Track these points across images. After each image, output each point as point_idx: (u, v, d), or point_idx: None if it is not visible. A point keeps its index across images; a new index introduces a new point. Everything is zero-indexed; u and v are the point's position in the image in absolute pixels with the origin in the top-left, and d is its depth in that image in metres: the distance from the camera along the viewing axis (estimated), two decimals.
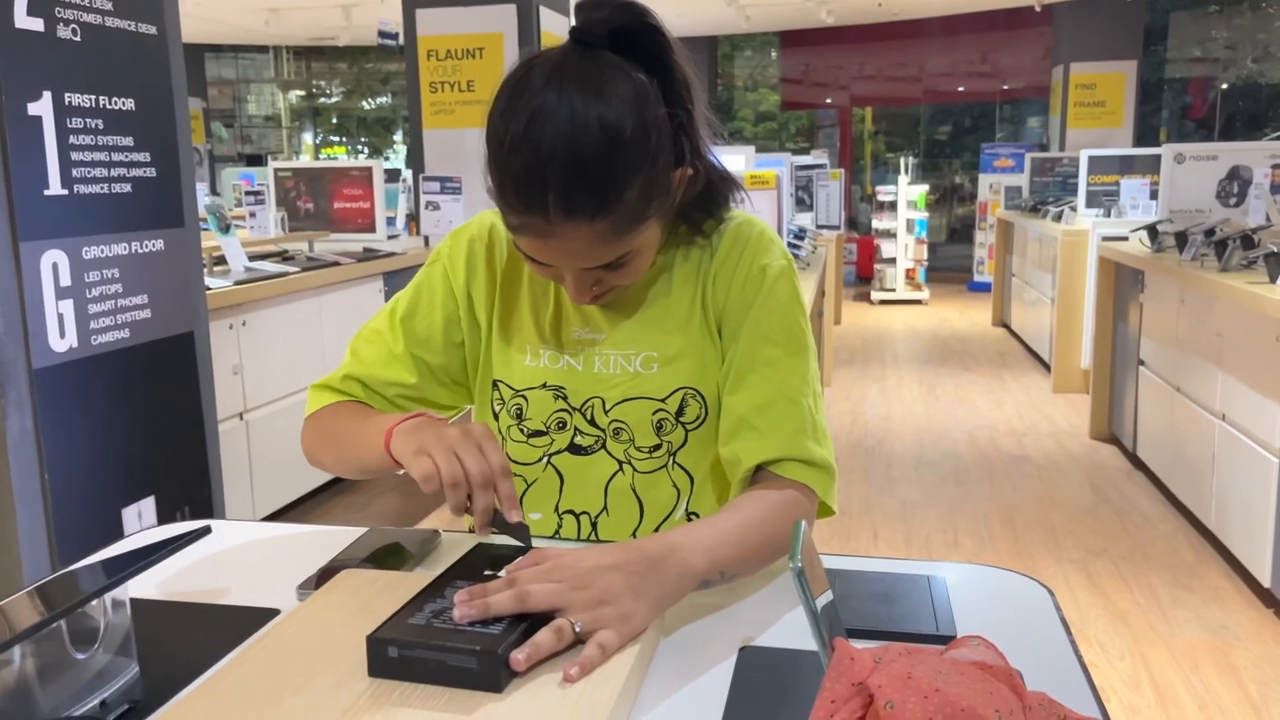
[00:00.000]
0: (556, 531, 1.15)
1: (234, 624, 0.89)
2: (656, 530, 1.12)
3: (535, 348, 1.14)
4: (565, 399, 1.12)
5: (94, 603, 0.76)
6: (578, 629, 0.79)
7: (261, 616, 0.90)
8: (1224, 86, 10.73)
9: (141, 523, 2.33)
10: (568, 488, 1.13)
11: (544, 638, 0.77)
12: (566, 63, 0.94)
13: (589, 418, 1.12)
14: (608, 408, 1.11)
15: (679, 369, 1.10)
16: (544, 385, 1.13)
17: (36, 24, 2.04)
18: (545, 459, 1.14)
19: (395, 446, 0.99)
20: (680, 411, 1.10)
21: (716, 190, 1.10)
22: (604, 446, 1.12)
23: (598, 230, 0.94)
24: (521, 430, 1.14)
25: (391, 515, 3.69)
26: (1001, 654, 0.67)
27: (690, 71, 1.02)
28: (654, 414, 1.10)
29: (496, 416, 1.16)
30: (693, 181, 1.05)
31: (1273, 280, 2.97)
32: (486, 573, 0.88)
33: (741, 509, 1.00)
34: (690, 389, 1.10)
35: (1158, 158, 4.75)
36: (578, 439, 1.12)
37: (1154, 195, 5.45)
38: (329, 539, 1.11)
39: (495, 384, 1.16)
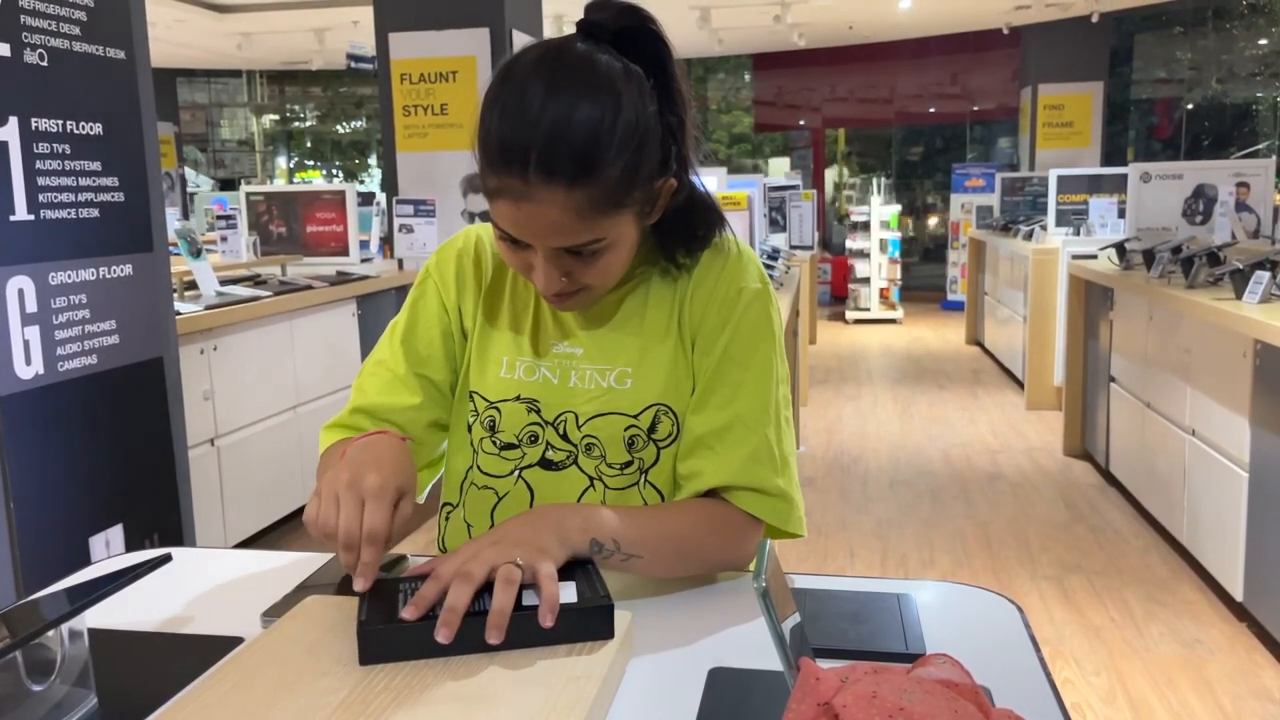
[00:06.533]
0: None
1: (196, 653, 0.87)
2: None
3: (512, 360, 1.14)
4: (538, 412, 1.12)
5: (50, 633, 0.75)
6: (519, 561, 0.85)
7: (224, 645, 0.89)
8: (1189, 106, 10.90)
9: (109, 551, 2.30)
10: (538, 503, 1.13)
11: (499, 597, 0.82)
12: (566, 46, 0.98)
13: (561, 432, 1.11)
14: (580, 423, 1.10)
15: (652, 385, 1.10)
16: (517, 398, 1.12)
17: (3, 49, 2.02)
18: (516, 472, 1.13)
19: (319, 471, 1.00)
20: (652, 428, 1.10)
21: (701, 220, 1.11)
22: (575, 462, 1.11)
23: (574, 201, 0.94)
24: (494, 443, 1.14)
25: None
26: (967, 671, 0.66)
27: (686, 88, 1.04)
28: (626, 430, 1.09)
29: (470, 428, 1.16)
30: (676, 195, 1.06)
31: (1239, 296, 3.01)
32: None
33: (662, 506, 1.08)
34: (663, 406, 1.10)
35: (1125, 177, 4.82)
36: (549, 454, 1.12)
37: (1122, 214, 5.51)
38: (295, 565, 1.10)
39: (471, 395, 1.16)
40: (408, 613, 0.82)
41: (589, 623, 0.84)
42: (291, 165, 14.47)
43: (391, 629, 0.82)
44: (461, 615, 0.81)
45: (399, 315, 1.21)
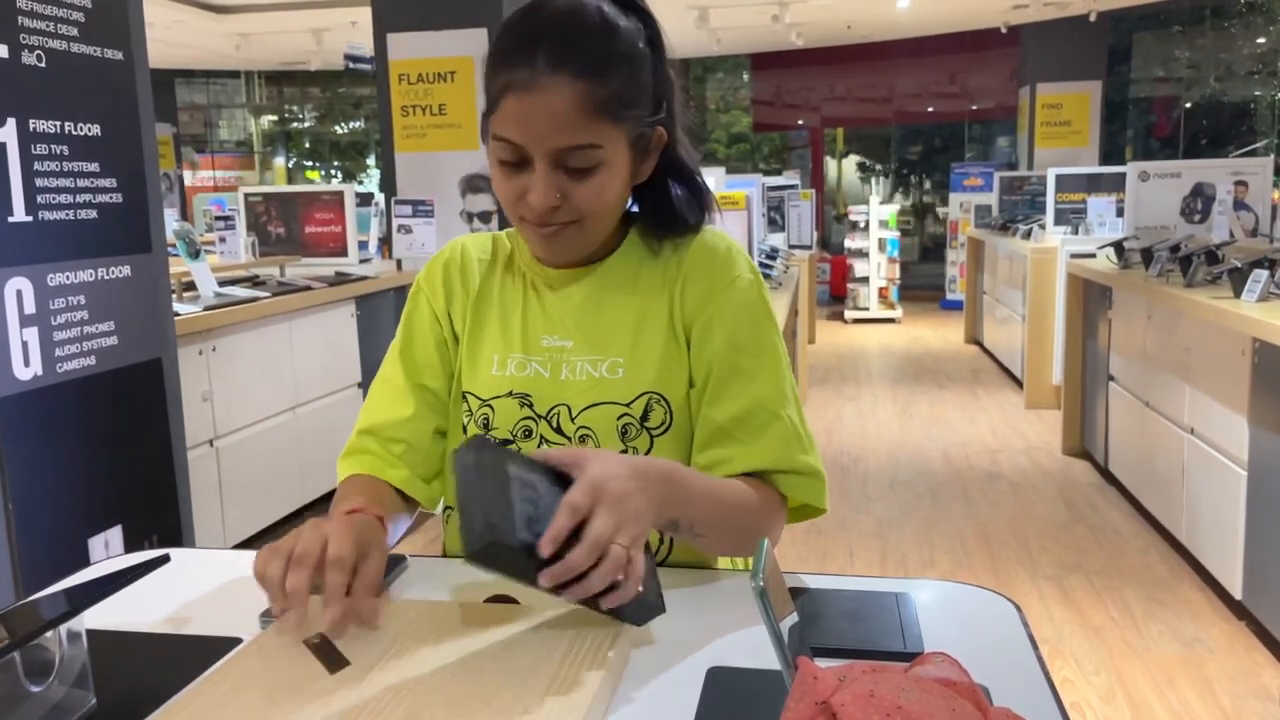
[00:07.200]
0: None
1: (194, 654, 0.87)
2: None
3: (503, 357, 1.15)
4: (531, 406, 1.12)
5: (48, 634, 0.75)
6: (625, 544, 0.84)
7: (223, 646, 0.89)
8: (1187, 105, 10.91)
9: (108, 552, 2.30)
10: None
11: (599, 579, 0.82)
12: None
13: (555, 425, 1.12)
14: (574, 415, 1.11)
15: (644, 374, 1.11)
16: (510, 394, 1.13)
17: (1, 50, 2.02)
18: None
19: None
20: (645, 417, 1.10)
21: (693, 194, 1.14)
22: None
23: (578, 93, 0.98)
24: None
25: None
26: (965, 670, 0.66)
27: (673, 70, 1.11)
28: (619, 419, 1.10)
29: (465, 429, 1.17)
30: (665, 151, 1.10)
31: (1237, 295, 3.01)
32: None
33: (728, 485, 1.06)
34: (655, 394, 1.10)
35: (1123, 176, 4.82)
36: (544, 447, 1.12)
37: (1120, 213, 5.52)
38: None
39: (464, 395, 1.17)
40: (545, 548, 0.80)
41: (637, 615, 0.87)
42: (290, 166, 14.47)
43: (516, 550, 0.80)
44: (574, 575, 0.81)
45: (397, 334, 1.22)
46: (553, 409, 1.12)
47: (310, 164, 14.60)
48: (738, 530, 1.05)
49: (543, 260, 1.14)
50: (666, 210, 1.14)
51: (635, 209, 1.16)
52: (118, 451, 2.34)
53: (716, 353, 1.10)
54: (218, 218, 4.96)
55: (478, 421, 1.15)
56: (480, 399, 1.15)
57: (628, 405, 1.10)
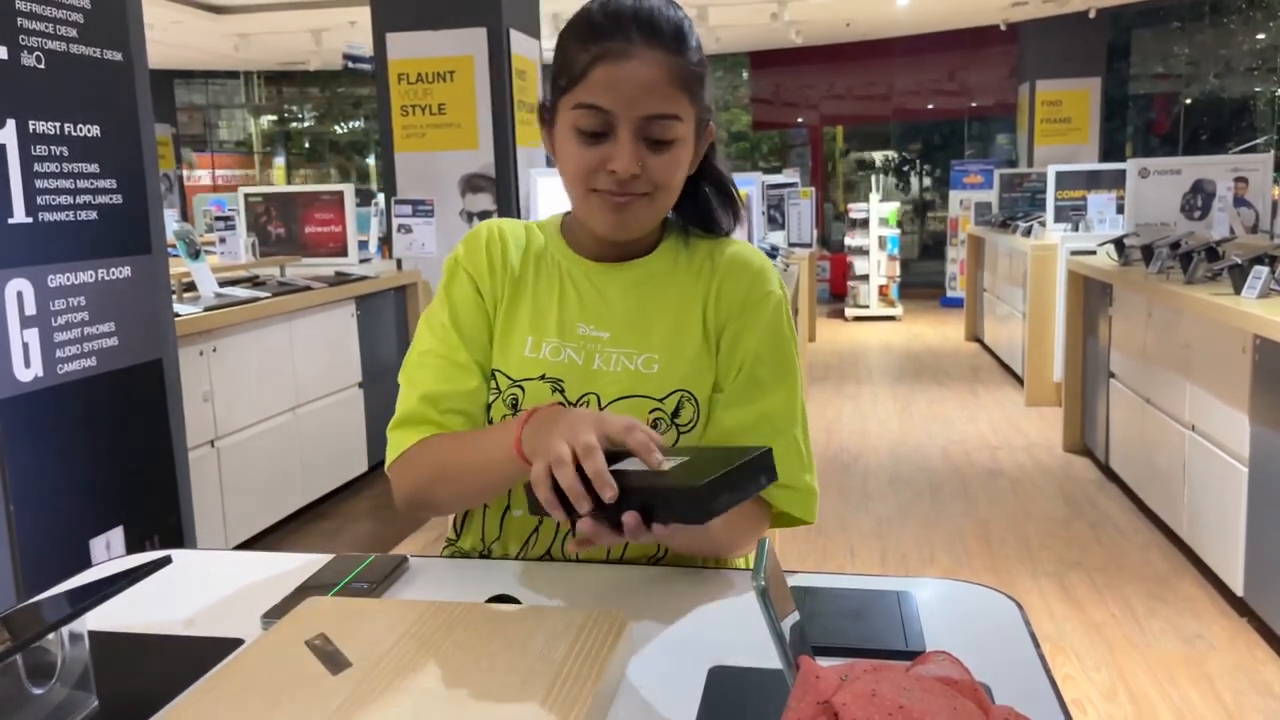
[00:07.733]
0: (537, 528, 1.15)
1: (196, 655, 0.87)
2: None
3: (537, 340, 1.16)
4: (562, 392, 1.13)
5: (50, 636, 0.75)
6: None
7: (225, 647, 0.89)
8: (1187, 102, 10.90)
9: (110, 553, 2.30)
10: None
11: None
12: None
13: None
14: (603, 404, 1.12)
15: (677, 371, 1.13)
16: (542, 377, 1.14)
17: (0, 51, 2.02)
18: None
19: (529, 451, 0.99)
20: (676, 413, 1.13)
21: (728, 197, 1.20)
22: None
23: (669, 65, 1.06)
24: None
25: (364, 542, 3.66)
26: (967, 669, 0.67)
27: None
28: (651, 413, 1.12)
29: (490, 406, 1.17)
30: (710, 153, 1.17)
31: (1237, 291, 3.01)
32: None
33: None
34: (687, 392, 1.13)
35: (1123, 173, 4.81)
36: None
37: (1121, 209, 5.51)
38: (295, 567, 1.09)
39: (494, 374, 1.17)
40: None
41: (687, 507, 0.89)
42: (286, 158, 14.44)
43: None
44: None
45: (433, 309, 1.20)
46: (583, 396, 1.13)
47: (310, 165, 14.58)
48: (699, 545, 1.11)
49: (606, 234, 1.13)
50: (706, 212, 1.19)
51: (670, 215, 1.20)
52: (119, 452, 2.34)
53: (741, 361, 1.14)
54: (218, 218, 4.96)
55: (506, 401, 1.15)
56: (510, 379, 1.15)
57: (661, 400, 1.13)
